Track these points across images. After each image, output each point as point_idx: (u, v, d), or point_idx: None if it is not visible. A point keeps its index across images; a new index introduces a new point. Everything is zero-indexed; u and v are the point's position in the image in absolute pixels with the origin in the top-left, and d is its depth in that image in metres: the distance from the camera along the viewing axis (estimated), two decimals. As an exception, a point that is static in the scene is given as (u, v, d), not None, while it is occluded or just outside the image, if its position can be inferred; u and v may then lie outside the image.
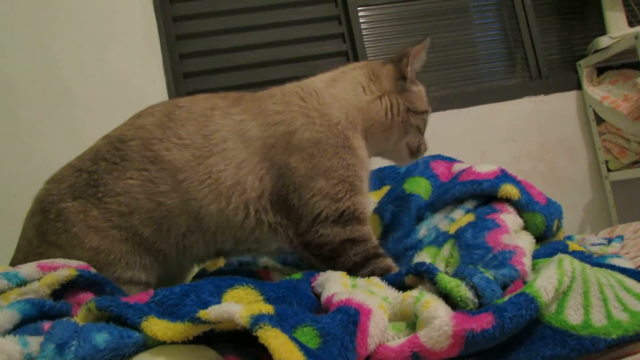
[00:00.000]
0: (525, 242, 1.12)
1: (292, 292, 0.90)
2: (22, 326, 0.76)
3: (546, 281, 0.79)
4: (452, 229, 1.18)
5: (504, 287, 0.94)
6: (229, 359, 0.68)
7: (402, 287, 0.95)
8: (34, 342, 0.68)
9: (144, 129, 1.17)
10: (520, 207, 1.22)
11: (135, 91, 2.37)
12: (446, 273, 0.88)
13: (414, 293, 0.82)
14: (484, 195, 1.25)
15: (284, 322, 0.71)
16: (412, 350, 0.72)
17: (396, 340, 0.76)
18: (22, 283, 0.88)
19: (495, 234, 1.10)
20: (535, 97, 2.71)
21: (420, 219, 1.29)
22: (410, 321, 0.80)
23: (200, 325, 0.67)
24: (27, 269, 0.91)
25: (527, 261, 1.02)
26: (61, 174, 1.18)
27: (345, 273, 1.02)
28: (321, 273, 1.01)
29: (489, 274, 0.90)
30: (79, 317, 0.77)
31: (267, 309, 0.72)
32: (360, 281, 0.99)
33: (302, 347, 0.66)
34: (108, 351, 0.65)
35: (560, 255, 0.90)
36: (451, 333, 0.71)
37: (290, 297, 0.88)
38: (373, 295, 0.85)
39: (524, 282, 0.97)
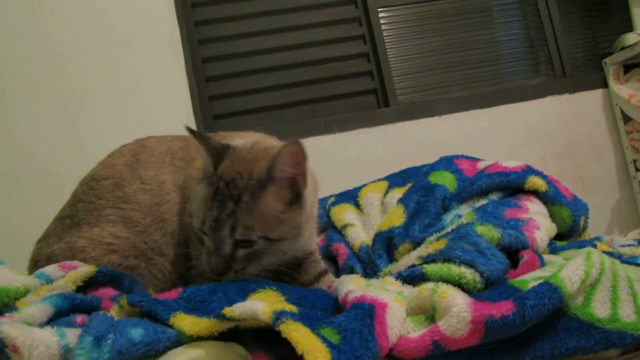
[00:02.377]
0: (543, 221, 1.11)
1: (312, 294, 0.92)
2: (56, 319, 0.79)
3: (572, 272, 0.78)
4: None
5: (511, 251, 0.96)
6: (256, 356, 0.70)
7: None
8: (71, 334, 0.71)
9: (115, 169, 1.23)
10: (547, 200, 1.20)
11: (158, 95, 2.41)
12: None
13: (429, 285, 0.83)
14: (510, 187, 1.23)
15: (306, 320, 0.72)
16: (432, 339, 0.73)
17: (416, 331, 0.77)
18: (49, 281, 0.92)
19: (515, 211, 1.10)
20: (559, 96, 2.66)
21: (445, 210, 1.28)
22: (429, 314, 0.81)
23: (226, 322, 0.70)
24: (50, 269, 0.96)
25: (539, 234, 1.03)
26: (47, 230, 1.23)
27: (359, 276, 1.05)
28: (335, 279, 1.04)
29: (490, 232, 0.94)
30: (112, 313, 0.81)
31: (291, 308, 0.75)
32: (374, 281, 1.01)
33: (325, 340, 0.67)
34: (143, 345, 0.69)
35: (589, 248, 0.90)
36: (470, 319, 0.71)
37: (311, 298, 0.89)
38: (387, 292, 0.86)
39: (538, 255, 0.97)
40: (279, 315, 0.67)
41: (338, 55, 2.65)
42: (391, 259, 1.21)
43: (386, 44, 2.68)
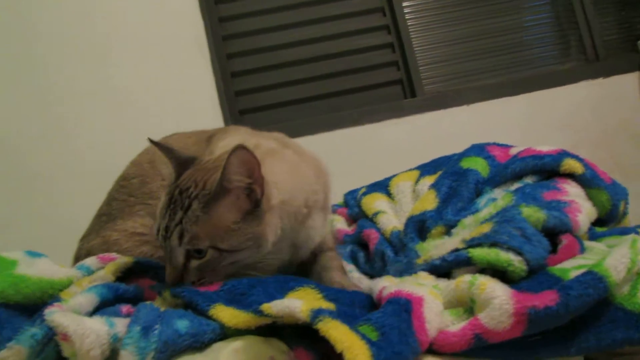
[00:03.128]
0: (584, 203, 1.09)
1: (349, 293, 0.92)
2: (101, 309, 0.81)
3: (617, 260, 0.75)
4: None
5: (552, 233, 0.93)
6: (297, 352, 0.71)
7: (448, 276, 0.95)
8: (119, 323, 0.73)
9: (141, 167, 1.26)
10: (585, 183, 1.16)
11: (185, 92, 2.44)
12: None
13: (466, 278, 0.81)
14: (545, 170, 1.20)
15: (344, 318, 0.71)
16: (474, 333, 0.71)
17: (455, 325, 0.75)
18: (90, 273, 0.95)
19: (554, 193, 1.08)
20: (592, 80, 2.58)
21: (478, 194, 1.25)
22: (468, 306, 0.79)
23: (263, 318, 0.71)
24: (90, 261, 0.98)
25: (581, 216, 1.00)
26: (88, 228, 1.27)
27: (390, 277, 1.03)
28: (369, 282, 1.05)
29: (536, 213, 0.91)
30: (156, 304, 0.82)
31: (328, 305, 0.76)
32: (407, 277, 1.00)
33: (364, 337, 0.66)
34: (188, 336, 0.71)
35: (633, 235, 0.87)
36: (512, 311, 0.69)
37: (349, 296, 0.89)
38: (421, 286, 0.85)
39: (578, 240, 0.94)
40: (317, 314, 0.67)
41: (363, 46, 2.62)
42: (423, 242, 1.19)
43: (411, 34, 2.64)
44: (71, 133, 2.36)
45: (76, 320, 0.70)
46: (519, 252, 0.83)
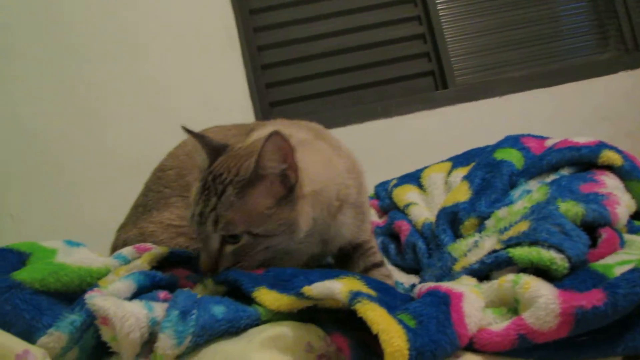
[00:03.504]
0: (622, 196, 1.05)
1: (392, 287, 0.93)
2: (138, 295, 0.83)
3: (664, 256, 0.73)
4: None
5: (592, 228, 0.91)
6: (334, 337, 0.72)
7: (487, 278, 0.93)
8: (158, 308, 0.76)
9: (178, 159, 1.28)
10: (624, 175, 1.12)
11: (216, 85, 2.46)
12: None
13: (509, 277, 0.79)
14: (583, 161, 1.17)
15: (383, 304, 0.71)
16: (518, 333, 0.70)
17: (498, 324, 0.74)
18: (126, 262, 0.97)
19: (591, 186, 1.05)
20: (632, 71, 2.51)
21: (512, 186, 1.23)
22: (512, 306, 0.78)
23: (305, 300, 0.72)
24: (127, 251, 1.01)
25: (620, 209, 0.98)
26: (125, 219, 1.30)
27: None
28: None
29: (574, 208, 0.89)
30: (195, 291, 0.84)
31: (369, 291, 0.75)
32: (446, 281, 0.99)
33: (401, 322, 0.66)
34: (225, 322, 0.73)
35: (678, 229, 0.84)
36: (559, 311, 0.68)
37: (392, 290, 0.90)
38: (462, 285, 0.84)
39: (617, 233, 0.92)
40: (355, 295, 0.67)
41: (394, 37, 2.60)
42: (456, 234, 1.17)
43: (442, 24, 2.60)
44: (102, 126, 2.41)
45: (116, 303, 0.72)
46: (560, 250, 0.81)
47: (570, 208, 0.93)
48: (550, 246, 0.82)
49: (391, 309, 0.72)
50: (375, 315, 0.64)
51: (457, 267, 1.01)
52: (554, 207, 0.94)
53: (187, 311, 0.73)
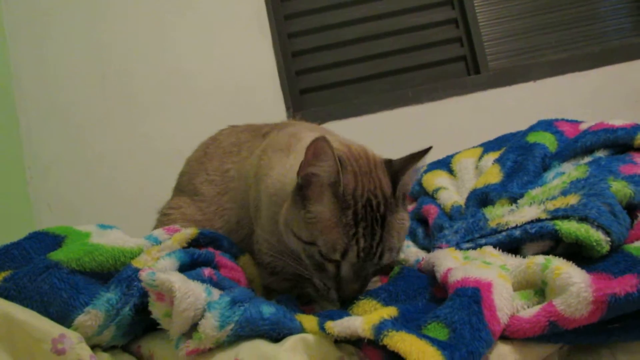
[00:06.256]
0: None
1: (402, 282, 0.92)
2: (183, 272, 0.84)
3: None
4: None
5: (630, 209, 0.89)
6: (367, 351, 0.72)
7: (516, 250, 0.92)
8: (215, 294, 0.77)
9: (189, 164, 1.36)
10: None
11: (246, 72, 2.48)
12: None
13: (539, 260, 0.79)
14: (618, 144, 1.15)
15: (410, 323, 0.72)
16: (548, 319, 0.70)
17: (527, 310, 0.74)
18: (157, 243, 0.99)
19: (631, 167, 1.03)
20: (674, 53, 2.42)
21: (545, 169, 1.22)
22: (538, 287, 0.77)
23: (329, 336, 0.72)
24: (158, 233, 1.03)
25: None
26: (164, 206, 1.36)
27: (453, 248, 1.01)
28: (426, 255, 1.03)
29: (624, 189, 0.88)
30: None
31: (389, 313, 0.75)
32: (472, 253, 0.97)
33: (433, 341, 0.66)
34: (269, 323, 0.73)
35: None
36: (592, 299, 0.67)
37: (403, 287, 0.90)
38: (489, 267, 0.83)
39: None
40: (380, 329, 0.67)
41: (425, 22, 2.58)
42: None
43: (475, 8, 2.56)
44: (139, 114, 2.46)
45: (182, 278, 0.74)
46: (607, 232, 0.80)
47: (620, 189, 0.92)
48: (599, 226, 0.81)
49: (417, 319, 0.72)
50: (406, 346, 0.64)
51: (493, 223, 1.00)
52: (606, 185, 0.93)
53: (238, 301, 0.75)
